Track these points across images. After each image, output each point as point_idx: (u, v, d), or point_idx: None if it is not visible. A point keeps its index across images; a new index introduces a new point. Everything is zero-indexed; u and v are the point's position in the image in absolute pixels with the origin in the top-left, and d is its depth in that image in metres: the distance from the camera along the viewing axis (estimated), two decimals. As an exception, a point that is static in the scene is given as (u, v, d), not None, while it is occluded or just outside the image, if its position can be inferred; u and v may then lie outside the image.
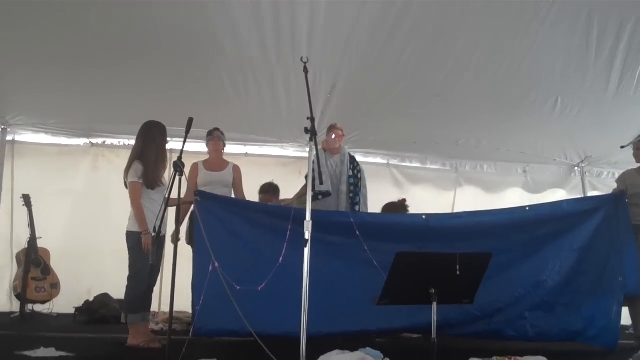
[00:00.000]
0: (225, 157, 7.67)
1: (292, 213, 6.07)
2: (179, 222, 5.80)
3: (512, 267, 6.77)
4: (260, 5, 6.90)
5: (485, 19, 7.27)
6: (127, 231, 6.49)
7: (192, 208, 6.63)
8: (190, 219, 6.47)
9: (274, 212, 7.01)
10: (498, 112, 8.97)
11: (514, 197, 10.54)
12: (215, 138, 7.49)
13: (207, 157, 7.59)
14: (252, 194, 7.93)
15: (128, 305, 6.48)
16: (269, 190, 8.19)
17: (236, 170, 7.59)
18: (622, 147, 6.79)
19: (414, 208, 9.80)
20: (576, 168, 10.74)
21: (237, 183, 7.54)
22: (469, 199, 10.39)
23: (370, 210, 7.88)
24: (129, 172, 6.50)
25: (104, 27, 7.06)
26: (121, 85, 7.96)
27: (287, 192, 8.20)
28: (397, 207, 8.12)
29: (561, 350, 6.78)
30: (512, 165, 10.62)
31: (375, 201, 8.29)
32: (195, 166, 7.43)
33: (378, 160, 10.18)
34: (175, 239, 5.64)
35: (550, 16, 7.23)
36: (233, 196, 7.41)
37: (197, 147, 8.09)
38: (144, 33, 7.18)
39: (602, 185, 10.58)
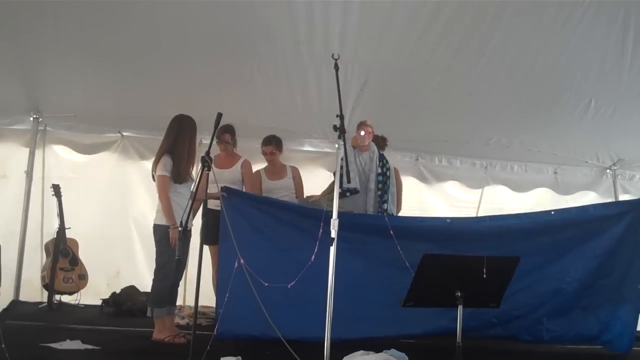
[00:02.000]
0: (252, 150, 7.75)
1: (323, 213, 6.04)
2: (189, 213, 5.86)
3: (534, 274, 6.74)
4: (294, 2, 6.87)
5: (520, 18, 7.19)
6: (155, 224, 6.49)
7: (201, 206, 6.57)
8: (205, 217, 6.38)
9: (302, 211, 6.99)
10: (530, 112, 8.88)
11: (541, 198, 10.45)
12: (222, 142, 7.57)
13: (238, 151, 7.68)
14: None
15: (154, 299, 6.49)
16: (272, 141, 7.98)
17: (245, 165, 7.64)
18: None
19: (440, 205, 9.83)
20: (608, 170, 10.61)
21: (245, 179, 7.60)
22: (496, 197, 10.36)
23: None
24: (158, 165, 6.48)
25: (136, 21, 7.08)
26: (152, 77, 7.99)
27: (316, 188, 8.17)
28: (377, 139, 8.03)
29: (577, 352, 6.95)
30: (542, 166, 10.49)
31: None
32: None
33: (407, 157, 10.10)
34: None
35: (586, 16, 7.13)
36: None
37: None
38: (177, 26, 7.19)
39: (634, 188, 10.47)
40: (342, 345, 5.43)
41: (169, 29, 7.24)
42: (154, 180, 6.55)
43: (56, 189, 8.37)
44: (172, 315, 6.66)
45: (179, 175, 6.45)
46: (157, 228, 6.46)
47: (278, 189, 7.71)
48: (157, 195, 6.53)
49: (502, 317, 6.67)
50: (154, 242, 6.48)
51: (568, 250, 6.87)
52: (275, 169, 7.98)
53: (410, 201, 9.22)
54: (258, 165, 8.12)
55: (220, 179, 6.83)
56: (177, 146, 6.52)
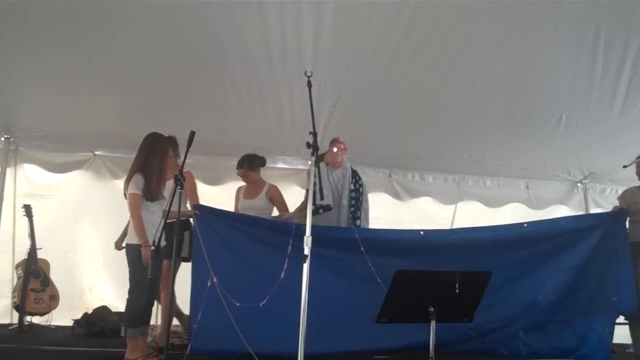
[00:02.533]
0: (227, 167, 7.73)
1: (292, 228, 6.03)
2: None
3: (508, 286, 6.78)
4: (266, 18, 6.86)
5: (491, 35, 7.24)
6: (127, 243, 6.43)
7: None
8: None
9: (274, 226, 6.99)
10: (502, 127, 8.92)
11: (515, 213, 10.48)
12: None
13: (212, 170, 7.67)
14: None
15: (127, 319, 6.40)
16: (243, 164, 7.89)
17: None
18: (625, 166, 6.78)
19: (414, 221, 9.84)
20: (579, 184, 10.67)
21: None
22: (470, 214, 10.37)
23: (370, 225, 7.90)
24: (130, 183, 6.43)
25: (109, 39, 7.03)
26: (124, 96, 7.95)
27: (289, 205, 8.16)
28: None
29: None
30: (514, 181, 10.54)
31: (373, 212, 8.30)
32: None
33: (380, 173, 10.10)
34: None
35: (557, 32, 7.19)
36: None
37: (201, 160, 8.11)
38: (150, 45, 7.16)
39: (605, 202, 10.52)
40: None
41: (142, 48, 7.20)
42: (126, 198, 6.50)
43: (27, 210, 8.32)
44: (145, 335, 6.61)
45: (151, 193, 6.39)
46: (129, 247, 6.38)
47: (247, 209, 7.66)
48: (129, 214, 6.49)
49: (478, 330, 6.69)
50: (126, 262, 6.44)
51: (542, 263, 6.92)
52: (250, 189, 7.95)
53: (384, 218, 9.27)
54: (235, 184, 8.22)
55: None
56: (148, 164, 6.47)
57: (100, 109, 8.14)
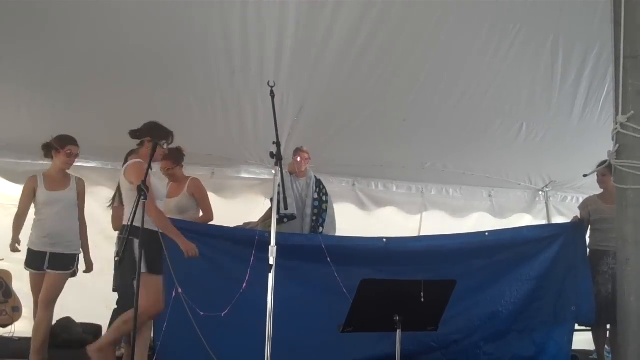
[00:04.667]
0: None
1: (256, 237, 6.01)
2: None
3: (470, 297, 6.84)
4: (229, 30, 6.89)
5: (451, 46, 7.34)
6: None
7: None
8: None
9: (236, 236, 6.96)
10: (464, 136, 9.02)
11: (479, 222, 10.57)
12: None
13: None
14: (217, 216, 7.75)
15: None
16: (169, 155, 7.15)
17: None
18: (585, 175, 6.86)
19: (381, 232, 9.85)
20: (540, 193, 10.81)
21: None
22: (435, 224, 10.40)
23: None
24: (116, 199, 6.63)
25: (73, 48, 7.00)
26: (86, 104, 7.86)
27: (253, 214, 8.15)
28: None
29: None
30: (477, 190, 10.64)
31: (340, 223, 8.31)
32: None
33: (344, 183, 10.13)
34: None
35: (517, 42, 7.33)
36: None
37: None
38: (113, 54, 7.12)
39: (567, 210, 10.63)
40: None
41: (104, 57, 7.16)
42: None
43: (-11, 221, 8.22)
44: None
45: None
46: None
47: (167, 210, 6.86)
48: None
49: (441, 341, 6.74)
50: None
51: (503, 274, 7.00)
52: (172, 187, 7.56)
53: (351, 229, 9.28)
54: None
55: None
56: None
57: (62, 119, 8.03)
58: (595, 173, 7.08)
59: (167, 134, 6.21)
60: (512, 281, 6.99)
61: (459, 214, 10.61)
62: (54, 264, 6.67)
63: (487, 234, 7.30)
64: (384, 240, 7.07)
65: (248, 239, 6.32)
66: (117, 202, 6.63)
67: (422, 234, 10.19)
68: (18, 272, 8.28)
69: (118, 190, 6.57)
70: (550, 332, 7.05)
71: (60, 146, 6.90)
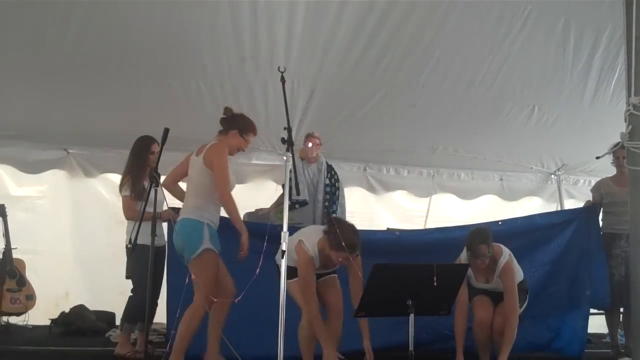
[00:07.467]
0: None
1: (267, 229, 5.98)
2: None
3: None
4: (238, 17, 6.87)
5: (462, 29, 7.29)
6: (138, 243, 6.23)
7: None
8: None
9: (249, 228, 6.92)
10: (475, 120, 8.98)
11: (489, 205, 10.59)
12: None
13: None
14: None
15: (126, 314, 6.53)
16: None
17: None
18: (598, 157, 6.80)
19: (389, 214, 9.88)
20: (552, 176, 10.77)
21: None
22: (444, 206, 10.46)
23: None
24: (122, 186, 6.60)
25: (81, 38, 6.98)
26: (98, 93, 7.83)
27: (265, 201, 8.15)
28: None
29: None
30: (488, 173, 10.62)
31: (350, 207, 8.32)
32: None
33: (355, 168, 10.13)
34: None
35: (527, 25, 7.26)
36: None
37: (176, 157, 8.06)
38: (122, 42, 7.11)
39: (579, 193, 10.61)
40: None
41: (114, 45, 7.15)
42: None
43: (1, 209, 8.23)
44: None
45: (137, 193, 6.49)
46: (140, 247, 5.99)
47: None
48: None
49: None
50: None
51: (517, 260, 6.95)
52: None
53: (359, 212, 9.29)
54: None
55: None
56: (132, 166, 6.67)
57: (73, 107, 8.05)
58: (611, 154, 7.04)
59: (253, 129, 6.30)
60: (526, 267, 6.94)
61: (468, 197, 10.62)
62: None
63: (500, 223, 7.26)
64: (397, 233, 7.09)
65: (259, 231, 6.24)
66: (128, 191, 6.60)
67: (430, 216, 10.25)
68: (32, 261, 8.35)
69: (128, 179, 6.57)
70: (565, 317, 7.04)
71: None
